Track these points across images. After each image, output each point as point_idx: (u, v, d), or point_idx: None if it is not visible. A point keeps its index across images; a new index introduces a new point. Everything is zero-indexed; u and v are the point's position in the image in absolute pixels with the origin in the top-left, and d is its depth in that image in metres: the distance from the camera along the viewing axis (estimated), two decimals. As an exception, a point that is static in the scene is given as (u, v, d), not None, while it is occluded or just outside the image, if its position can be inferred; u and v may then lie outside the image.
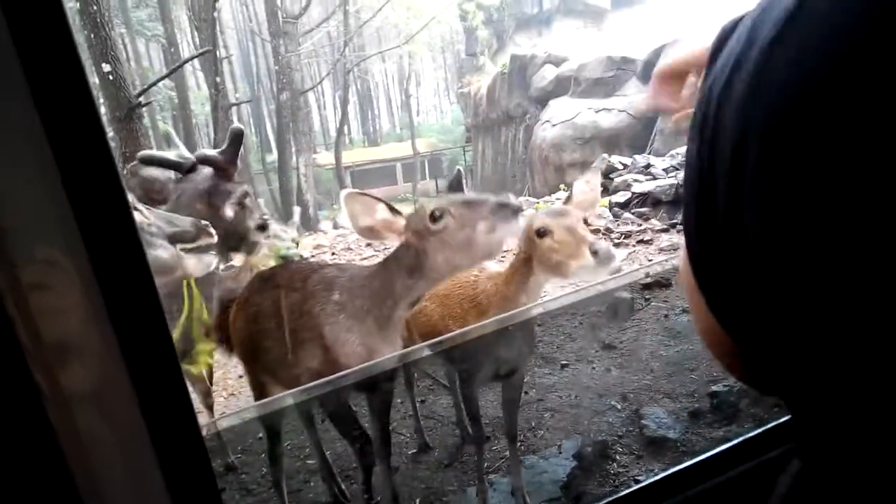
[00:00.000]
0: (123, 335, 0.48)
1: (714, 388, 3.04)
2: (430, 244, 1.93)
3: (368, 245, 10.06)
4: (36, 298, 0.45)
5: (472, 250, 1.90)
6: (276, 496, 2.54)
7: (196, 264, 1.97)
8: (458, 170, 2.31)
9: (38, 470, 0.49)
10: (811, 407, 0.45)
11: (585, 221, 2.08)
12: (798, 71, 0.37)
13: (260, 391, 2.43)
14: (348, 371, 2.01)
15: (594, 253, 1.93)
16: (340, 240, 11.55)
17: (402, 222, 1.98)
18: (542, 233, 2.05)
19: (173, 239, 1.91)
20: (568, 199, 2.22)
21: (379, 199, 1.98)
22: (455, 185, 2.25)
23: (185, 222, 1.98)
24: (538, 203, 9.53)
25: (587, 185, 2.27)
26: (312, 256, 10.07)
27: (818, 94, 0.35)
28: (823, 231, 0.36)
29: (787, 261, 0.38)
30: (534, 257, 2.11)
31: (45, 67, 0.41)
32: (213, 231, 2.04)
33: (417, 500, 2.69)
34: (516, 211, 1.84)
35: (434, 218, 1.90)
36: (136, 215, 1.80)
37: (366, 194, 1.98)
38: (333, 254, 10.03)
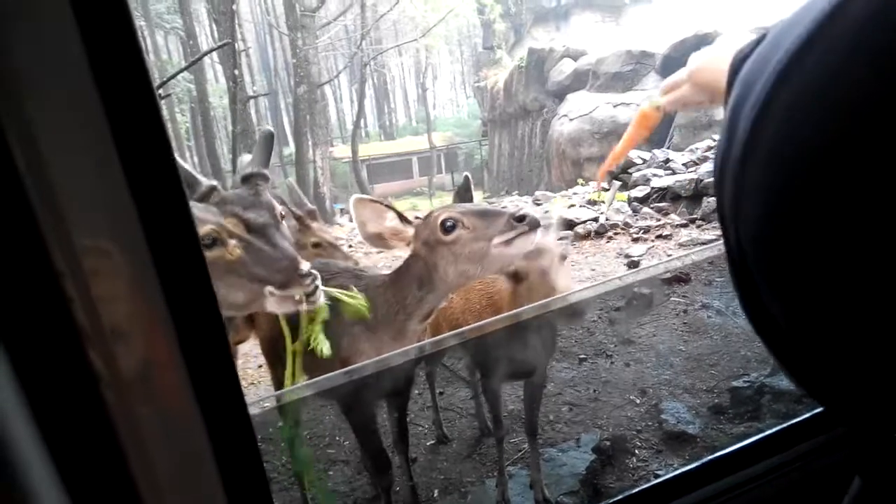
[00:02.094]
0: (180, 322, 0.49)
1: (734, 383, 3.02)
2: (440, 256, 1.83)
3: (384, 239, 10.07)
4: (96, 282, 0.46)
5: (485, 263, 1.79)
6: (296, 484, 2.56)
7: (276, 304, 1.80)
8: (466, 176, 2.17)
9: (93, 452, 0.51)
10: (868, 425, 0.46)
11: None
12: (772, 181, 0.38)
13: (280, 388, 2.43)
14: (368, 362, 1.98)
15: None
16: (357, 233, 11.58)
17: (410, 232, 1.89)
18: (518, 277, 2.04)
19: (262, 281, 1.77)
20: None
21: (390, 207, 1.90)
22: (463, 193, 2.12)
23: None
24: (555, 197, 9.52)
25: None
26: (329, 250, 10.07)
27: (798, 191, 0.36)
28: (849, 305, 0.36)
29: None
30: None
31: (110, 58, 0.42)
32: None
33: (436, 492, 2.70)
34: (535, 225, 1.73)
35: (445, 229, 1.79)
36: (234, 248, 1.70)
37: (377, 201, 1.90)
38: (350, 246, 10.06)
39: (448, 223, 1.78)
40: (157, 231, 0.47)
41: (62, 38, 0.41)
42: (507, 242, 1.73)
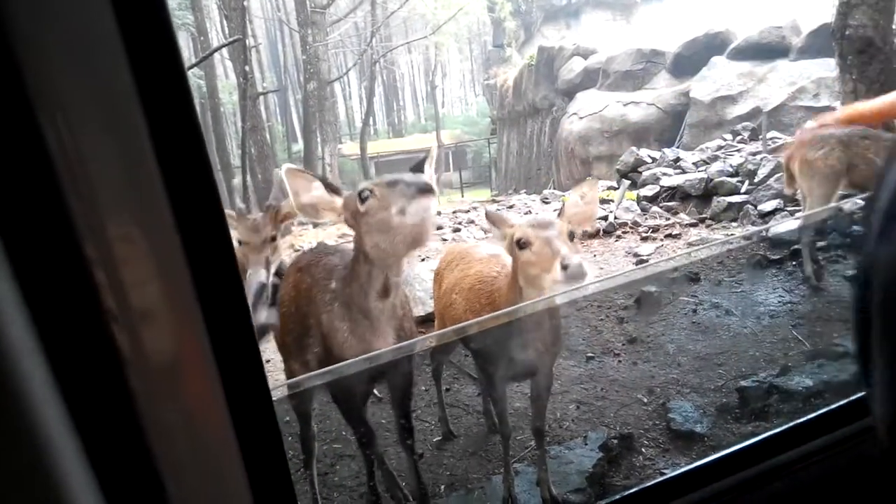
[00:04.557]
0: (207, 309, 0.50)
1: (743, 383, 3.02)
2: (360, 226, 1.85)
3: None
4: (125, 269, 0.47)
5: (392, 234, 1.77)
6: (305, 478, 2.57)
7: None
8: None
9: (118, 434, 0.52)
10: None
11: (571, 236, 1.98)
12: None
13: (291, 377, 2.45)
14: (367, 356, 1.98)
15: (564, 267, 1.82)
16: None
17: (338, 202, 1.89)
18: (522, 244, 1.98)
19: None
20: (560, 212, 2.11)
21: (316, 177, 1.90)
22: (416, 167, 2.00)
23: None
24: (564, 196, 9.49)
25: (582, 199, 2.16)
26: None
27: None
28: None
29: None
30: (517, 267, 2.06)
31: (147, 56, 0.43)
32: None
33: (442, 487, 2.71)
34: (423, 190, 1.70)
35: (362, 198, 1.79)
36: None
37: (305, 171, 1.92)
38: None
39: (364, 193, 1.79)
40: (187, 219, 0.48)
41: (98, 25, 0.42)
42: (402, 211, 1.71)
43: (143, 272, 0.48)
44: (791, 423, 1.43)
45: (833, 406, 1.40)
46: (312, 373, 1.89)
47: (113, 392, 0.49)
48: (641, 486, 1.43)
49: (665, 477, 1.44)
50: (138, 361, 0.49)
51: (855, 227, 4.80)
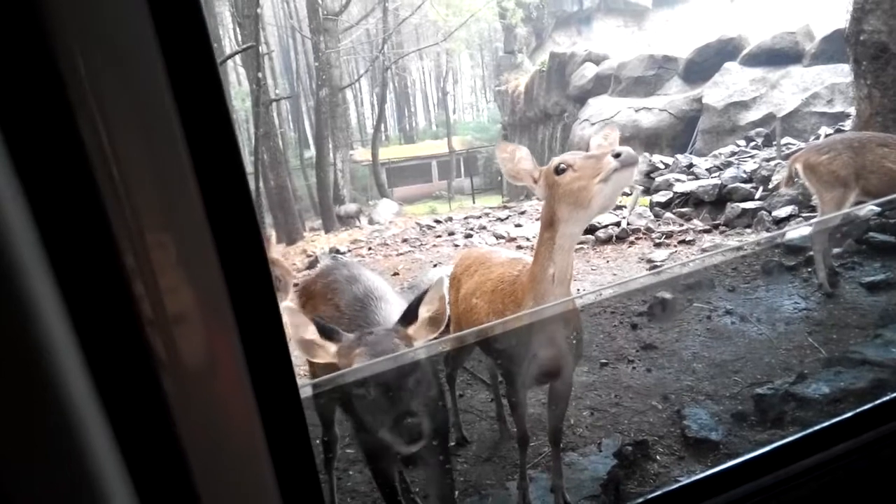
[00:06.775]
0: (240, 313, 0.51)
1: (758, 390, 2.99)
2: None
3: (404, 241, 10.13)
4: (160, 274, 0.48)
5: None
6: (324, 481, 2.57)
7: None
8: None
9: (152, 436, 0.53)
10: None
11: None
12: None
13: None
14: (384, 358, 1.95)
15: (616, 156, 1.80)
16: (376, 235, 11.67)
17: (332, 349, 1.84)
18: (561, 169, 1.96)
19: None
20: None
21: (313, 321, 1.85)
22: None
23: None
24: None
25: (605, 139, 2.15)
26: (349, 251, 10.21)
27: None
28: None
29: None
30: (555, 200, 2.00)
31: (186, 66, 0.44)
32: None
33: (456, 493, 2.70)
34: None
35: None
36: None
37: (301, 314, 1.90)
38: (370, 248, 10.15)
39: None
40: (221, 223, 0.49)
41: (136, 32, 0.43)
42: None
43: (177, 277, 0.49)
44: (816, 427, 1.42)
45: (858, 410, 1.39)
46: (336, 373, 1.87)
47: (148, 394, 0.50)
48: (665, 490, 1.42)
49: (683, 482, 1.42)
50: (173, 365, 0.49)
51: (871, 234, 4.75)
